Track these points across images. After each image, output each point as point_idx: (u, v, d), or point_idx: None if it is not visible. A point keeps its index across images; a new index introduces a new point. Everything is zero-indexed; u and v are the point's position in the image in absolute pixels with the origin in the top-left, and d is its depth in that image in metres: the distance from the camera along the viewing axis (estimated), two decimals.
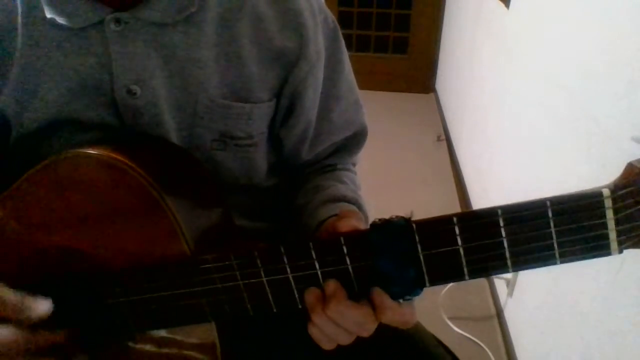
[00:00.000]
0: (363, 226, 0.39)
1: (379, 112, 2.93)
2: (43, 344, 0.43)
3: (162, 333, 0.46)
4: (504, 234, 0.34)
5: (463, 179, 2.21)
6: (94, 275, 0.44)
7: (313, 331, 0.40)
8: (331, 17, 0.61)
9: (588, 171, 0.96)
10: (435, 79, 3.38)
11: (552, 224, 0.33)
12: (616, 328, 0.85)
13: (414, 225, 0.35)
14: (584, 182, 0.98)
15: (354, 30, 3.24)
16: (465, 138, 2.29)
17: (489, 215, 0.34)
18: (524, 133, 1.39)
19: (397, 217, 0.36)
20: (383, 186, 2.18)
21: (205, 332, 0.45)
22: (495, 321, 1.52)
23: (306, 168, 0.67)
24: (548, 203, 0.33)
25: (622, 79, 0.85)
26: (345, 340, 0.40)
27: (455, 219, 0.34)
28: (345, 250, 0.37)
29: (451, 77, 2.84)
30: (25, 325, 0.42)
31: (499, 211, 0.34)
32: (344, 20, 3.16)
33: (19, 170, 0.45)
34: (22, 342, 0.42)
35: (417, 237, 0.35)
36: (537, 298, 1.23)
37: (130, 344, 0.47)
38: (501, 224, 0.34)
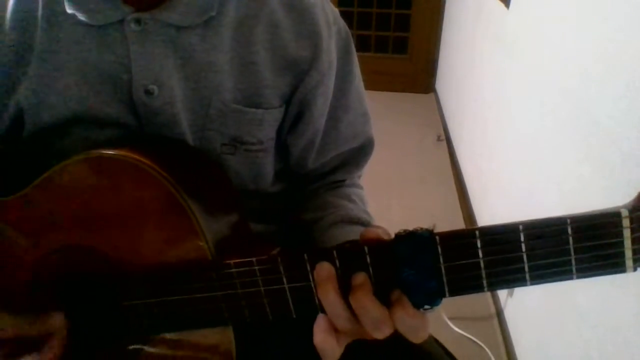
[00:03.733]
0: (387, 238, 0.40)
1: (379, 112, 2.91)
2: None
3: (175, 336, 0.46)
4: (524, 249, 0.35)
5: (463, 179, 2.21)
6: (111, 277, 0.44)
7: (320, 336, 0.38)
8: (345, 28, 0.61)
9: (588, 171, 0.96)
10: (435, 79, 3.39)
11: (571, 241, 0.34)
12: (616, 327, 0.85)
13: (437, 238, 0.36)
14: (584, 182, 0.98)
15: (354, 30, 3.24)
16: (465, 138, 2.29)
17: (511, 230, 0.35)
18: (524, 133, 1.39)
19: (420, 228, 0.36)
20: (383, 186, 2.18)
21: (222, 337, 0.45)
22: (495, 321, 1.52)
23: (312, 181, 0.67)
24: (568, 220, 0.34)
25: (622, 79, 0.85)
26: (350, 338, 0.39)
27: (477, 233, 0.35)
28: (368, 260, 0.38)
29: (451, 77, 2.84)
30: None
31: (521, 227, 0.35)
32: (344, 20, 3.15)
33: (32, 169, 0.45)
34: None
35: (439, 249, 0.36)
36: (537, 298, 1.23)
37: (142, 346, 0.47)
38: (522, 239, 0.35)
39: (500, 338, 1.46)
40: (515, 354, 1.36)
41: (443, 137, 2.73)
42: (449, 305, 1.53)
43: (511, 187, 1.48)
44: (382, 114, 2.93)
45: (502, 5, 1.71)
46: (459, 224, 1.99)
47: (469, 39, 2.34)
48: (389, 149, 2.53)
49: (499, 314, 1.53)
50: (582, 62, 1.03)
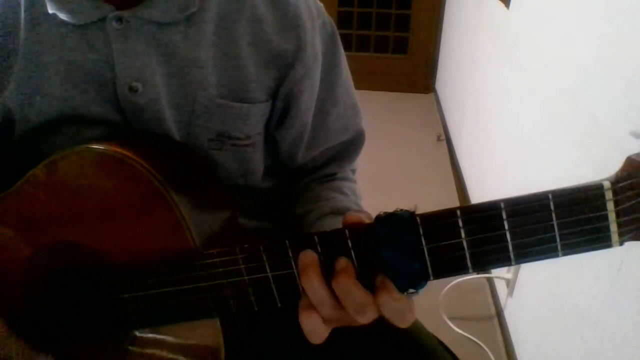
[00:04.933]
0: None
1: (379, 112, 2.93)
2: None
3: (164, 336, 0.46)
4: (507, 226, 0.34)
5: (463, 179, 2.21)
6: (99, 271, 0.45)
7: (304, 314, 0.38)
8: (329, 21, 0.61)
9: (588, 171, 0.96)
10: (435, 79, 3.39)
11: (554, 216, 0.34)
12: (616, 328, 0.85)
13: (417, 218, 0.35)
14: (584, 182, 0.98)
15: (354, 30, 3.24)
16: (465, 138, 2.29)
17: (492, 208, 0.34)
18: (524, 133, 1.39)
19: (400, 210, 0.36)
20: (383, 186, 2.18)
21: (210, 336, 0.45)
22: (495, 321, 1.52)
23: (304, 175, 0.67)
24: (550, 195, 0.33)
25: (622, 79, 0.85)
26: (335, 323, 0.39)
27: (458, 212, 0.35)
28: (350, 244, 0.37)
29: (451, 77, 2.84)
30: None
31: (502, 204, 0.34)
32: (344, 20, 3.16)
33: (22, 168, 0.46)
34: None
35: (421, 230, 0.35)
36: (537, 298, 1.23)
37: (130, 347, 0.47)
38: (504, 216, 0.34)
39: (500, 338, 1.46)
40: (515, 354, 1.36)
41: (443, 137, 2.73)
42: (449, 305, 1.53)
43: (511, 187, 1.48)
44: (382, 114, 2.93)
45: (502, 5, 1.71)
46: None
47: (469, 39, 2.34)
48: (389, 149, 2.53)
49: (499, 314, 1.53)
50: (582, 62, 1.03)
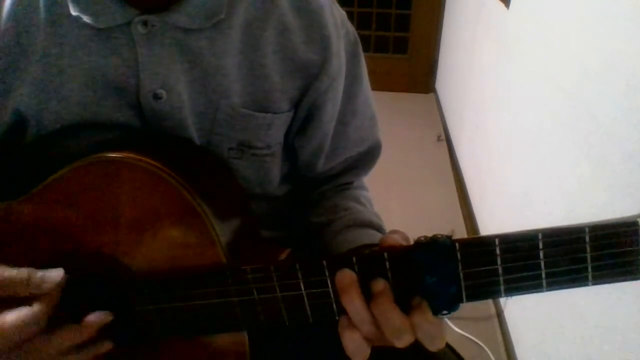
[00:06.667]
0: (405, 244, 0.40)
1: (379, 112, 2.91)
2: (65, 331, 0.41)
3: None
4: (542, 256, 0.36)
5: (463, 179, 2.21)
6: (124, 281, 0.44)
7: (346, 334, 0.38)
8: (352, 31, 0.60)
9: (588, 171, 0.96)
10: (435, 79, 3.38)
11: (588, 249, 0.35)
12: (616, 327, 0.85)
13: (457, 245, 0.37)
14: (584, 182, 0.98)
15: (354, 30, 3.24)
16: (465, 138, 2.29)
17: (530, 238, 0.36)
18: (524, 133, 1.39)
19: (441, 235, 0.37)
20: (383, 186, 2.18)
21: (235, 337, 0.45)
22: (495, 321, 1.52)
23: (320, 183, 0.67)
24: (586, 229, 0.35)
25: (622, 79, 0.85)
26: (376, 342, 0.39)
27: (497, 240, 0.36)
28: (387, 266, 0.38)
29: (451, 77, 2.84)
30: (41, 301, 0.40)
31: (540, 235, 0.36)
32: None
33: (33, 170, 0.45)
34: (42, 318, 0.39)
35: (459, 256, 0.37)
36: (537, 298, 1.23)
37: (155, 344, 0.46)
38: (540, 246, 0.36)
39: (500, 338, 1.46)
40: (515, 354, 1.36)
41: (443, 137, 2.73)
42: None
43: (511, 187, 1.48)
44: (381, 113, 2.91)
45: (502, 5, 1.71)
46: (459, 224, 1.99)
47: (469, 39, 2.34)
48: (388, 149, 2.51)
49: (499, 314, 1.53)
50: (582, 62, 1.03)
